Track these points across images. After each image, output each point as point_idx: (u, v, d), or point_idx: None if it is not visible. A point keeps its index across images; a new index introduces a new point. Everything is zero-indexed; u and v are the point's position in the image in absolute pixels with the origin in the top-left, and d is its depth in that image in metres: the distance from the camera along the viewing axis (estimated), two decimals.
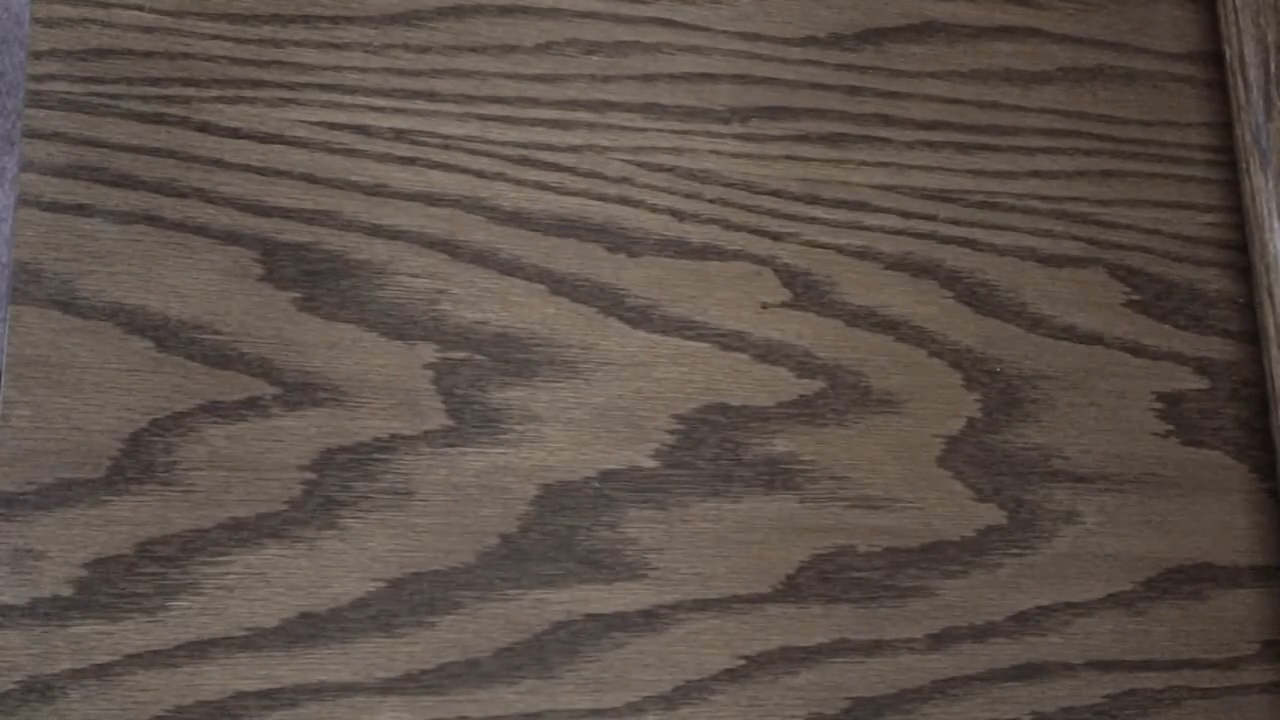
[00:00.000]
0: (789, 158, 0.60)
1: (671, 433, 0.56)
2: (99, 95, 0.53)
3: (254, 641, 0.51)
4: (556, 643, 0.53)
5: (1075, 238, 0.63)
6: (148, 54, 0.54)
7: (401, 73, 0.56)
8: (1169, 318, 0.63)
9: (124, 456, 0.51)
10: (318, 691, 0.51)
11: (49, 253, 0.52)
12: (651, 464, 0.56)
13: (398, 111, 0.56)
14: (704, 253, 0.58)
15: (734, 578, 0.55)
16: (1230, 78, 0.65)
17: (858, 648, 0.56)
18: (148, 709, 0.49)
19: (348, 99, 0.56)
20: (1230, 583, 0.61)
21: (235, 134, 0.54)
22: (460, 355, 0.55)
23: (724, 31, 0.60)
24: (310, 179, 0.55)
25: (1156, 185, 0.65)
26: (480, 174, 0.56)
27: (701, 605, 0.55)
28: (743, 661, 0.55)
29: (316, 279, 0.54)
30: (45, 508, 0.50)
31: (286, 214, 0.54)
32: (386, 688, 0.51)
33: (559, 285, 0.56)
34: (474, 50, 0.58)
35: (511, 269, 0.56)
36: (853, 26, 0.62)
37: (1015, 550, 0.59)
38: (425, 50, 0.57)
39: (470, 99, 0.57)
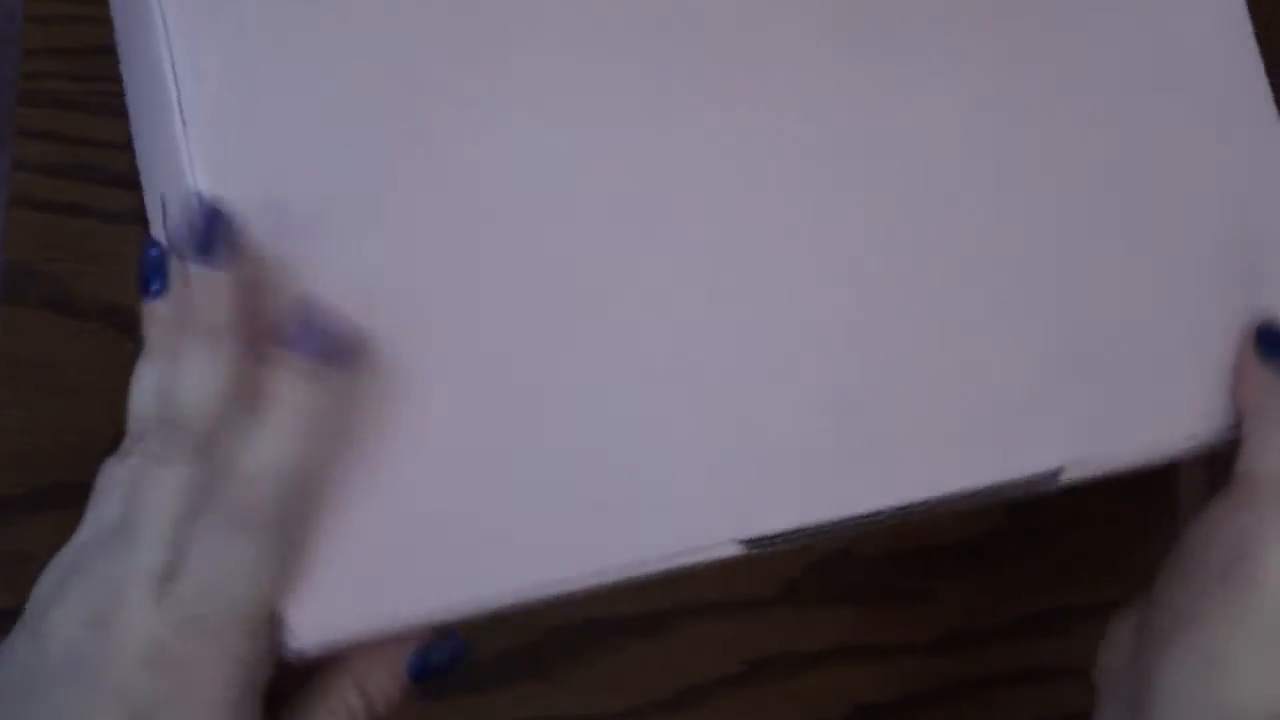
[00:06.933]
0: None
1: None
2: (92, 93, 0.53)
3: None
4: (555, 647, 0.53)
5: None
6: None
7: None
8: None
9: None
10: None
11: (42, 253, 0.52)
12: None
13: None
14: None
15: (734, 581, 0.55)
16: None
17: (859, 652, 0.56)
18: None
19: None
20: None
21: None
22: None
23: None
24: None
25: None
26: None
27: (701, 609, 0.55)
28: (744, 666, 0.55)
29: None
30: (38, 510, 0.50)
31: None
32: None
33: None
34: None
35: None
36: None
37: (1017, 553, 0.58)
38: None
39: None
